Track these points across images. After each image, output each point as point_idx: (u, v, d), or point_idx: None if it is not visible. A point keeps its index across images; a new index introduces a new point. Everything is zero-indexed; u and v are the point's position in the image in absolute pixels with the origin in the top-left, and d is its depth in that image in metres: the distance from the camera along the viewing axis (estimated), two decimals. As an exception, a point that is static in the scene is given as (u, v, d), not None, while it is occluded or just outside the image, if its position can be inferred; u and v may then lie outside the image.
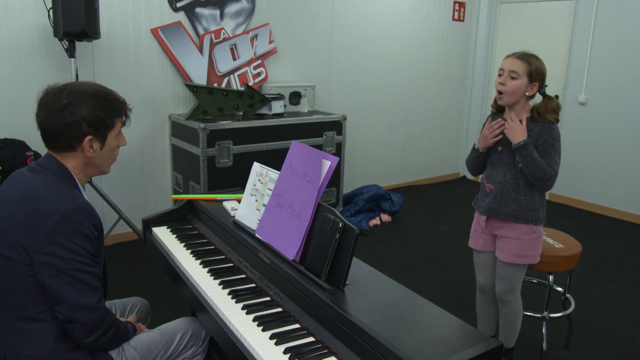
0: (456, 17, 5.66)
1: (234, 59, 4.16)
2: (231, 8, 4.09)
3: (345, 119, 4.23)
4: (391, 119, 5.41)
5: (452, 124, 6.05)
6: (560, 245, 2.50)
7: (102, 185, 3.78)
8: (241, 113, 3.87)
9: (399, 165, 5.64)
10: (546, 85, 2.15)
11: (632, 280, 3.62)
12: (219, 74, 4.11)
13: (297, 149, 1.75)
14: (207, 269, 1.78)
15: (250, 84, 4.26)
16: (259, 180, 1.92)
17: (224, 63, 4.12)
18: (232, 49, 4.13)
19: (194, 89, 3.68)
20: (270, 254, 1.66)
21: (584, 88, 5.06)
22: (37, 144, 3.41)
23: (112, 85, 3.76)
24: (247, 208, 1.92)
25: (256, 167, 1.98)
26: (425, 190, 5.63)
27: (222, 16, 4.06)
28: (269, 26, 4.29)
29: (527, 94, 2.11)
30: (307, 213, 1.58)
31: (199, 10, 3.94)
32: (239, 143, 3.72)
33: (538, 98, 2.17)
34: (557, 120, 2.13)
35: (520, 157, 2.08)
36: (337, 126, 4.20)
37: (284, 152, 3.87)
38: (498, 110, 2.28)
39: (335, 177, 4.30)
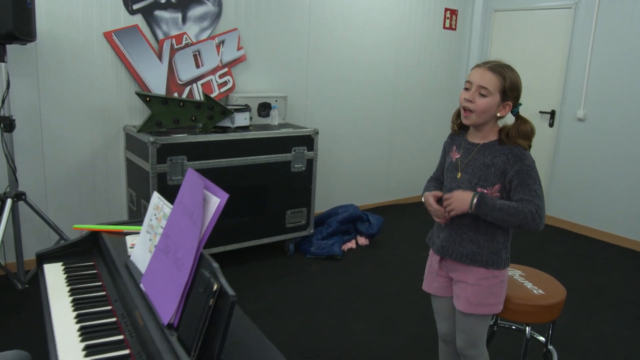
0: (447, 25, 5.31)
1: (197, 67, 3.83)
2: (195, 11, 3.76)
3: (317, 133, 3.88)
4: (375, 133, 5.06)
5: (441, 139, 5.66)
6: (541, 292, 2.13)
7: (46, 200, 3.45)
8: (200, 125, 3.54)
9: (382, 184, 5.28)
10: (520, 104, 1.80)
11: (630, 319, 3.22)
12: (179, 82, 3.78)
13: (190, 179, 1.41)
14: (79, 326, 1.43)
15: (215, 93, 3.93)
16: (155, 215, 1.57)
17: (186, 71, 3.79)
18: (195, 56, 3.81)
19: (146, 98, 3.35)
20: (148, 314, 1.31)
21: (582, 103, 4.68)
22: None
23: (60, 92, 3.49)
24: (141, 248, 1.57)
25: (154, 198, 1.64)
26: (409, 211, 5.25)
27: (184, 20, 3.74)
28: (237, 31, 3.96)
29: (497, 114, 1.76)
30: (188, 264, 1.24)
31: (158, 13, 3.62)
32: (194, 159, 3.38)
33: (510, 118, 1.82)
34: (530, 147, 1.77)
35: (484, 217, 1.73)
36: (307, 141, 3.86)
37: (246, 169, 3.54)
38: (460, 128, 1.92)
39: (305, 196, 3.95)
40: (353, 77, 4.75)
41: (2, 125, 2.89)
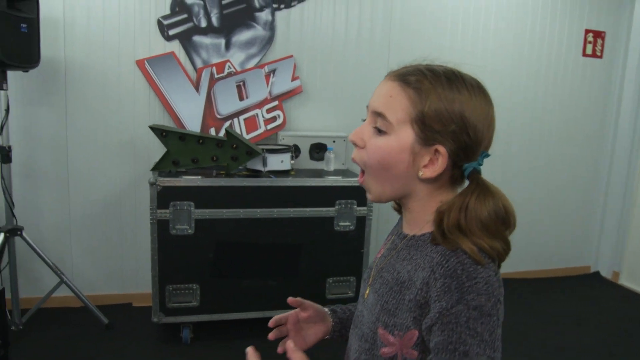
0: (589, 51, 4.06)
1: (241, 99, 3.32)
2: (241, 36, 3.28)
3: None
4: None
5: (582, 197, 4.33)
6: None
7: (70, 240, 3.21)
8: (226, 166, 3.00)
9: None
10: (487, 154, 0.89)
11: None
12: (218, 116, 3.31)
13: None
14: None
15: (260, 130, 3.37)
16: None
17: (227, 104, 3.31)
18: (239, 87, 3.31)
19: (161, 133, 2.92)
20: None
21: None
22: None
23: (86, 125, 3.11)
24: None
25: None
26: (533, 288, 4.01)
27: (228, 46, 3.28)
28: (293, 59, 3.38)
29: (420, 174, 0.87)
30: None
31: (197, 39, 3.22)
32: (203, 206, 2.83)
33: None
34: (498, 255, 0.83)
35: None
36: (359, 193, 3.06)
37: (272, 223, 2.91)
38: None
39: (354, 261, 3.12)
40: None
41: (-1, 155, 2.68)
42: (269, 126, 3.39)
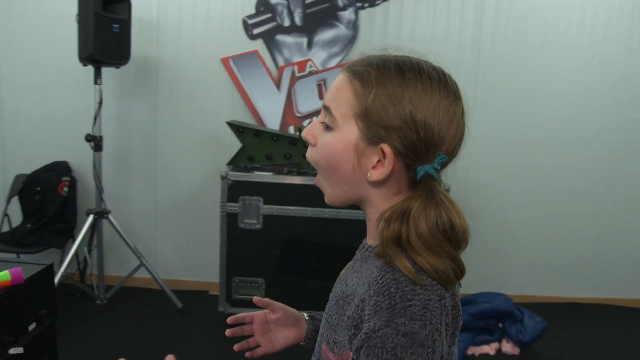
0: None
1: (321, 98, 3.32)
2: (323, 35, 3.28)
3: (448, 190, 2.91)
4: (568, 195, 3.59)
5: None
6: None
7: (155, 226, 3.43)
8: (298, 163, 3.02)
9: (565, 271, 3.68)
10: (444, 157, 0.76)
11: None
12: (297, 114, 3.33)
13: None
14: None
15: (338, 130, 3.34)
16: None
17: (307, 102, 3.33)
18: (319, 85, 3.32)
19: (238, 129, 3.01)
20: None
21: None
22: (77, 168, 3.30)
23: (174, 119, 3.37)
24: None
25: None
26: (599, 318, 3.54)
27: (310, 45, 3.29)
28: (375, 59, 3.30)
29: (368, 176, 0.78)
30: None
31: (280, 37, 3.27)
32: (272, 202, 2.87)
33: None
34: (442, 280, 0.70)
35: None
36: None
37: (339, 224, 2.87)
38: None
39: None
40: (543, 119, 3.48)
41: (92, 144, 2.92)
42: (347, 126, 3.35)
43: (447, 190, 2.91)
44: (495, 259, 3.58)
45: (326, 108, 0.80)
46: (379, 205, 0.79)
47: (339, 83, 0.80)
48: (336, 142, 0.78)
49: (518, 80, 3.39)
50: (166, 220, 3.46)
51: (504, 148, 3.47)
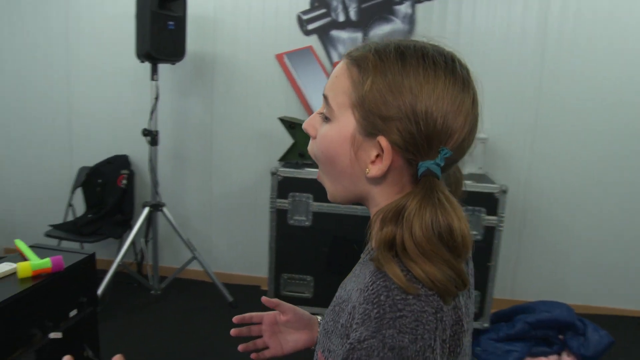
0: None
1: (375, 94, 3.25)
2: (378, 30, 3.21)
3: (505, 192, 2.76)
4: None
5: None
6: None
7: (210, 221, 3.50)
8: (349, 162, 2.96)
9: (636, 282, 3.38)
10: (447, 153, 0.68)
11: None
12: (351, 111, 3.28)
13: None
14: None
15: (392, 127, 3.26)
16: None
17: (360, 98, 3.26)
18: (373, 82, 3.24)
19: (290, 125, 2.99)
20: None
21: None
22: (136, 162, 3.41)
23: (229, 115, 3.48)
24: None
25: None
26: None
27: (365, 40, 3.23)
28: (432, 54, 3.19)
29: (367, 171, 0.71)
30: None
31: (335, 33, 3.23)
32: (322, 199, 2.82)
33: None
34: (439, 289, 0.63)
35: None
36: (489, 201, 2.78)
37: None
38: None
39: (481, 275, 2.85)
40: (613, 114, 3.24)
41: (148, 138, 3.00)
42: (402, 123, 3.27)
43: (505, 192, 2.77)
44: (557, 265, 3.37)
45: (324, 97, 0.75)
46: (381, 204, 0.72)
47: (337, 70, 0.74)
48: (333, 134, 0.73)
49: (586, 74, 3.17)
50: (219, 215, 3.51)
51: (570, 145, 3.25)
